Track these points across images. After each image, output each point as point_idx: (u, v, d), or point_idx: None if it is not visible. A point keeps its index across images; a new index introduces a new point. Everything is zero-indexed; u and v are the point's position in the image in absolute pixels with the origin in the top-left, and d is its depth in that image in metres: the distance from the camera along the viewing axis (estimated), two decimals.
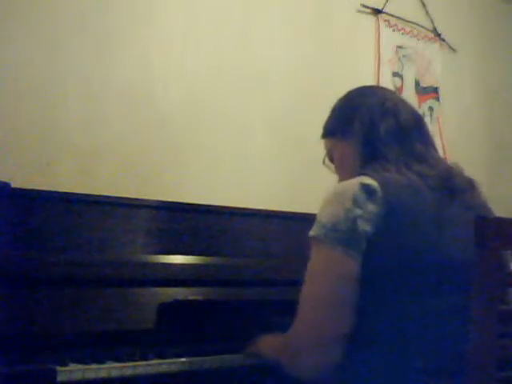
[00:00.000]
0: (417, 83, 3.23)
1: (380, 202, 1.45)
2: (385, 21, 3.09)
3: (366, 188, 1.47)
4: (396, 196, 1.46)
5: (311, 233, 1.50)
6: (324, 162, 1.76)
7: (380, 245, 1.43)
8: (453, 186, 1.55)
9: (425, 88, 3.27)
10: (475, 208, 1.54)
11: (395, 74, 3.14)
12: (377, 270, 1.43)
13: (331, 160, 1.75)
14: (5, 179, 1.76)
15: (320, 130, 1.77)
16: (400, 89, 3.10)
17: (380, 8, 3.05)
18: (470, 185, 1.60)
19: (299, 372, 1.52)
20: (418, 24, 3.23)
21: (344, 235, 1.44)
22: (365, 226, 1.44)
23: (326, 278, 1.46)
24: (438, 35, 3.31)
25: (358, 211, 1.45)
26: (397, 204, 1.45)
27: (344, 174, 1.67)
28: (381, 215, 1.44)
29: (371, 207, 1.45)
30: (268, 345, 1.66)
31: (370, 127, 1.62)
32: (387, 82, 3.01)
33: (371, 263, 1.43)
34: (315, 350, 1.46)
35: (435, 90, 3.32)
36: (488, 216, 1.54)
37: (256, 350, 1.69)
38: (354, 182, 1.50)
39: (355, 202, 1.46)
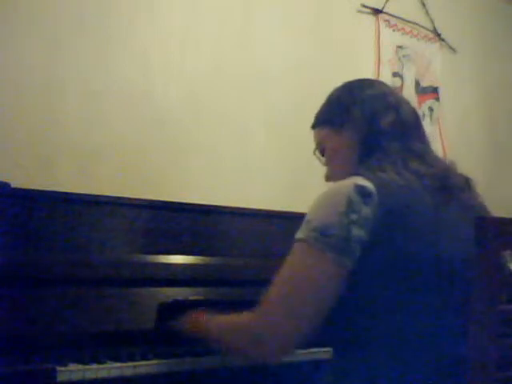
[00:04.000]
0: (417, 83, 3.23)
1: (376, 206, 1.40)
2: (385, 21, 3.09)
3: (361, 190, 1.41)
4: (392, 198, 1.42)
5: (299, 235, 1.44)
6: (314, 153, 1.69)
7: (376, 248, 1.40)
8: (450, 186, 1.51)
9: (425, 88, 3.27)
10: (473, 208, 1.53)
11: (395, 74, 3.14)
12: (375, 272, 1.41)
13: (322, 152, 1.67)
14: (5, 179, 1.76)
15: None
16: (400, 89, 3.10)
17: (380, 8, 3.05)
18: (467, 184, 1.57)
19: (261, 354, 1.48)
20: (418, 24, 3.24)
21: (336, 241, 1.39)
22: (359, 232, 1.39)
23: (310, 282, 1.41)
24: (438, 35, 3.31)
25: (353, 216, 1.39)
26: (393, 207, 1.41)
27: (337, 167, 1.62)
28: (376, 219, 1.39)
29: (366, 211, 1.40)
30: (210, 324, 1.61)
31: (371, 118, 1.56)
32: (387, 82, 3.01)
33: (368, 265, 1.40)
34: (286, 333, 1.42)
35: (435, 90, 3.32)
36: (487, 216, 1.54)
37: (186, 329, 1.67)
38: (348, 184, 1.43)
39: (350, 206, 1.40)
